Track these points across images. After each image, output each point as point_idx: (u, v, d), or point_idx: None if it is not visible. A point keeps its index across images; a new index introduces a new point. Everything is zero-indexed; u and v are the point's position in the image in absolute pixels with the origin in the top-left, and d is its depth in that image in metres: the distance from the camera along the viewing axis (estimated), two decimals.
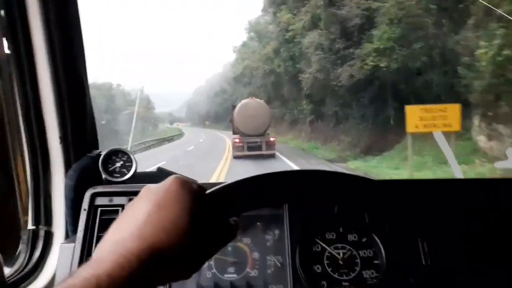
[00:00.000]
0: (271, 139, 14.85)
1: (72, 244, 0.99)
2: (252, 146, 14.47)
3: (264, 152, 14.36)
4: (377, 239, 0.95)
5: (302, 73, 20.58)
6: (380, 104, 15.71)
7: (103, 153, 1.14)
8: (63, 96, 1.12)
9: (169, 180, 0.53)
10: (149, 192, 0.52)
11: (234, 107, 16.51)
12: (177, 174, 0.60)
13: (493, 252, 0.93)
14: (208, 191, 0.55)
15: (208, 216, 0.53)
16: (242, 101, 16.36)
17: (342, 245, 0.96)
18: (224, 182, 0.59)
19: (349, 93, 17.02)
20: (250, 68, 36.52)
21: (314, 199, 0.78)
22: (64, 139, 1.13)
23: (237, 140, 14.67)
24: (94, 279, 0.41)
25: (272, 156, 14.47)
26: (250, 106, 15.40)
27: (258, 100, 16.41)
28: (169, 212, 0.49)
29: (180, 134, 35.67)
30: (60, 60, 1.10)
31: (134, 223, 0.48)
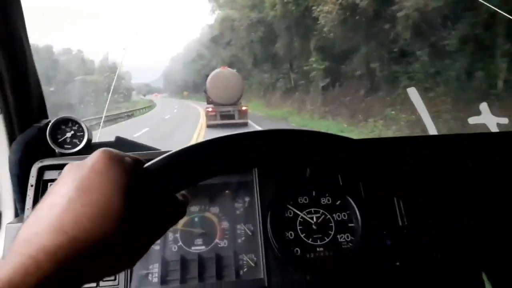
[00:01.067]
0: (243, 108, 15.05)
1: (20, 224, 0.89)
2: (225, 115, 14.56)
3: (237, 120, 14.52)
4: (351, 201, 0.90)
5: (319, 4, 14.45)
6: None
7: (50, 123, 1.02)
8: (1, 64, 0.99)
9: (95, 154, 0.43)
10: (71, 172, 0.42)
11: (207, 76, 16.53)
12: (140, 144, 0.48)
13: (469, 207, 0.91)
14: (146, 165, 0.46)
15: (148, 194, 0.43)
16: (214, 70, 16.30)
17: (315, 209, 0.92)
18: (168, 152, 0.48)
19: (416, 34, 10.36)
20: (230, 20, 28.87)
21: (271, 163, 0.67)
22: (5, 110, 1.00)
23: (210, 109, 14.69)
24: None
25: (245, 124, 14.44)
26: (222, 75, 15.45)
27: (230, 69, 16.52)
28: (95, 195, 0.39)
29: (150, 107, 32.57)
30: None
31: (53, 212, 0.38)
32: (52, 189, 0.42)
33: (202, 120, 15.12)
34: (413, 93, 1.44)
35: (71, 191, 0.39)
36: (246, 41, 25.74)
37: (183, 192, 0.50)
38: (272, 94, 22.41)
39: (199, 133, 12.85)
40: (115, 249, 0.39)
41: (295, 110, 17.77)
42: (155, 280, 0.86)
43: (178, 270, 0.86)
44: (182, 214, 0.50)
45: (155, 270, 0.87)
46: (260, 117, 17.57)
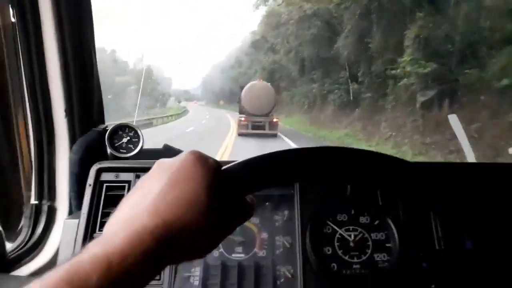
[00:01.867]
0: (274, 120, 15.88)
1: (76, 220, 0.97)
2: (256, 125, 15.46)
3: (267, 131, 15.33)
4: (390, 222, 0.92)
5: None
6: None
7: (109, 128, 1.11)
8: (69, 68, 1.09)
9: (183, 154, 0.50)
10: (164, 167, 0.49)
11: (242, 87, 17.80)
12: (183, 151, 0.57)
13: (507, 236, 0.91)
14: (224, 167, 0.52)
15: (225, 193, 0.50)
16: (250, 82, 17.55)
17: (354, 227, 0.94)
18: (237, 160, 0.56)
19: None
20: (276, 15, 24.52)
21: (334, 176, 0.74)
22: (69, 113, 1.10)
23: (243, 119, 15.72)
24: (105, 256, 0.38)
25: (275, 135, 15.31)
26: (256, 87, 16.53)
27: (264, 82, 17.63)
28: (185, 188, 0.46)
29: (178, 114, 31.20)
30: (67, 30, 1.06)
31: (148, 199, 0.45)
32: (143, 181, 0.49)
33: (230, 139, 14.50)
34: (454, 121, 1.44)
35: (164, 184, 0.46)
36: (294, 43, 21.92)
37: (251, 196, 0.57)
38: (321, 109, 19.19)
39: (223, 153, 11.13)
40: (196, 236, 0.46)
41: (357, 133, 13.98)
42: (196, 283, 0.91)
43: (218, 275, 0.91)
44: (250, 215, 0.56)
45: (196, 273, 0.92)
46: (305, 138, 15.92)
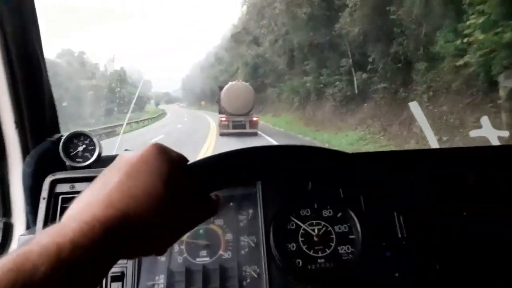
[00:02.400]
0: (254, 118, 16.14)
1: (32, 236, 0.93)
2: (237, 124, 15.65)
3: (247, 130, 15.57)
4: (352, 213, 0.92)
5: None
6: None
7: (63, 137, 1.07)
8: (17, 78, 1.04)
9: (145, 148, 0.49)
10: (122, 160, 0.49)
11: (220, 88, 17.96)
12: None
13: (468, 222, 0.93)
14: (190, 162, 0.52)
15: (188, 188, 0.49)
16: (229, 83, 17.54)
17: (317, 221, 0.94)
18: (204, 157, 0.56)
19: None
20: (261, 6, 21.56)
21: (296, 172, 0.75)
22: (20, 124, 1.05)
23: (224, 119, 15.90)
24: (55, 246, 0.37)
25: (255, 134, 15.60)
26: (235, 87, 16.69)
27: (243, 82, 17.74)
28: (142, 180, 0.45)
29: (153, 118, 29.13)
30: (12, 40, 1.01)
31: (103, 191, 0.44)
32: (103, 173, 0.49)
33: (209, 143, 13.70)
34: (415, 108, 1.47)
35: (121, 175, 0.46)
36: (281, 30, 18.78)
37: (216, 193, 0.56)
38: (316, 105, 16.48)
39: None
40: (151, 229, 0.45)
41: (376, 136, 10.72)
42: None
43: (183, 281, 0.89)
44: (214, 212, 0.55)
45: (160, 281, 0.90)
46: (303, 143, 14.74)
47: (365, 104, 12.90)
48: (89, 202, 0.44)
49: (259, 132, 15.85)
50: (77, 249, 0.37)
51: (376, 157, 1.05)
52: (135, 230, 0.43)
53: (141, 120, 24.79)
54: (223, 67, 41.47)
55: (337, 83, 14.94)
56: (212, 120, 22.84)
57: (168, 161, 0.48)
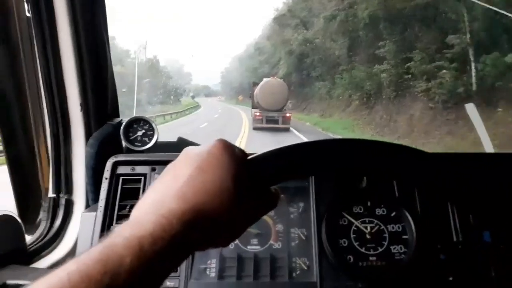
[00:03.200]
0: (287, 114, 16.88)
1: (94, 213, 0.98)
2: (270, 119, 16.53)
3: (280, 125, 16.39)
4: (407, 213, 0.91)
5: None
6: None
7: (124, 122, 1.12)
8: (84, 62, 1.10)
9: (210, 143, 0.51)
10: (191, 154, 0.50)
11: (255, 84, 19.55)
12: (199, 144, 0.58)
13: None
14: (250, 157, 0.53)
15: (251, 182, 0.50)
16: (264, 79, 18.42)
17: (370, 219, 0.93)
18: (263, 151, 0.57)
19: None
20: None
21: (355, 167, 0.74)
22: (85, 107, 1.11)
23: (258, 114, 16.90)
24: (136, 239, 0.39)
25: (287, 129, 16.31)
26: (270, 84, 17.52)
27: (278, 79, 18.64)
28: (212, 175, 0.47)
29: (181, 113, 27.18)
30: (81, 25, 1.07)
31: (176, 185, 0.46)
32: (171, 167, 0.50)
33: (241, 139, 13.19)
34: (470, 109, 1.42)
35: (192, 170, 0.47)
36: (342, 3, 14.05)
37: (275, 186, 0.57)
38: (396, 106, 11.52)
39: None
40: (221, 223, 0.47)
41: None
42: (213, 274, 0.92)
43: (234, 267, 0.91)
44: (274, 205, 0.56)
45: (213, 265, 0.93)
46: None
47: (499, 110, 7.94)
48: (164, 197, 0.45)
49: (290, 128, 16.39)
50: (157, 242, 0.39)
51: (438, 157, 1.02)
52: (208, 223, 0.45)
53: (168, 114, 23.76)
54: (263, 58, 38.83)
55: (446, 71, 9.48)
56: (245, 116, 22.85)
57: (234, 156, 0.49)
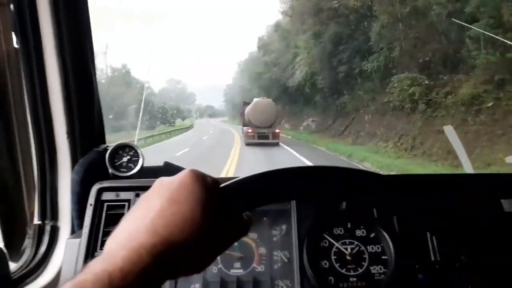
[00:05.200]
0: (276, 130, 18.99)
1: (78, 240, 0.99)
2: (261, 135, 18.46)
3: (270, 140, 18.30)
4: (385, 234, 0.94)
5: None
6: None
7: (110, 148, 1.14)
8: (71, 90, 1.12)
9: (183, 173, 0.52)
10: (163, 185, 0.51)
11: (245, 103, 21.71)
12: (185, 168, 0.60)
13: (504, 248, 0.92)
14: (222, 185, 0.55)
15: (222, 210, 0.52)
16: (254, 99, 20.55)
17: (350, 240, 0.96)
18: (237, 177, 0.59)
19: None
20: None
21: (326, 194, 0.78)
22: (71, 134, 1.13)
23: (250, 130, 18.84)
24: (106, 275, 0.40)
25: (277, 144, 18.32)
26: (261, 103, 19.63)
27: (267, 99, 20.57)
28: (183, 206, 0.48)
29: (172, 133, 26.63)
30: (68, 54, 1.10)
31: (147, 217, 0.47)
32: (144, 198, 0.52)
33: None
34: (450, 132, 1.47)
35: (163, 201, 0.49)
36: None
37: (248, 213, 0.59)
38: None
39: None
40: (192, 252, 0.48)
41: None
42: None
43: None
44: (246, 231, 0.58)
45: None
46: None
47: None
48: (134, 229, 0.46)
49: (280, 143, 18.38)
50: (127, 276, 0.41)
51: (412, 180, 1.06)
52: (179, 254, 0.46)
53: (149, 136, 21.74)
54: (270, 59, 33.23)
55: None
56: (237, 137, 22.73)
57: (204, 186, 0.51)
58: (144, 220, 0.47)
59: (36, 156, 1.13)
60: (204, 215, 0.48)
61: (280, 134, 19.30)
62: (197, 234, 0.48)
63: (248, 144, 18.24)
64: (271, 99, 20.69)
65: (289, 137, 23.24)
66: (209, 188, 0.51)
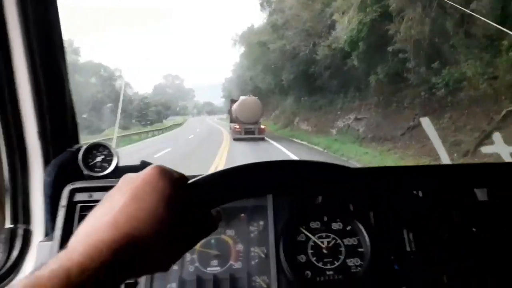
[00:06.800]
0: (262, 126, 20.33)
1: (50, 242, 0.97)
2: (248, 131, 19.76)
3: (256, 135, 19.64)
4: (361, 227, 0.94)
5: None
6: None
7: (83, 148, 1.11)
8: (41, 88, 1.09)
9: (148, 169, 0.51)
10: (126, 182, 0.51)
11: (233, 101, 23.07)
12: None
13: (477, 238, 0.93)
14: (190, 181, 0.54)
15: (189, 206, 0.51)
16: (241, 97, 21.83)
17: (327, 234, 0.96)
18: (204, 174, 0.58)
19: None
20: None
21: (298, 189, 0.78)
22: (42, 134, 1.10)
23: (237, 126, 20.03)
24: (64, 270, 0.39)
25: (263, 139, 19.45)
26: (247, 101, 20.92)
27: (253, 97, 21.70)
28: (146, 202, 0.47)
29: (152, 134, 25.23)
30: (37, 50, 1.07)
31: (109, 213, 0.47)
32: (109, 195, 0.51)
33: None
34: (425, 122, 1.48)
35: (126, 198, 0.48)
36: None
37: (217, 209, 0.59)
38: None
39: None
40: (156, 249, 0.47)
41: None
42: None
43: None
44: (214, 228, 0.57)
45: None
46: None
47: None
48: (96, 226, 0.45)
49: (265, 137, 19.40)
50: (85, 272, 0.40)
51: (386, 172, 1.06)
52: (141, 251, 0.45)
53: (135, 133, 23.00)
54: (282, 20, 22.42)
55: None
56: (226, 135, 22.27)
57: (170, 182, 0.50)
58: (106, 216, 0.46)
59: (7, 158, 1.10)
60: (168, 211, 0.47)
61: (266, 131, 20.50)
62: (160, 230, 0.47)
63: (236, 139, 19.34)
64: (256, 97, 21.73)
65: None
66: (175, 184, 0.50)
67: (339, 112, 18.08)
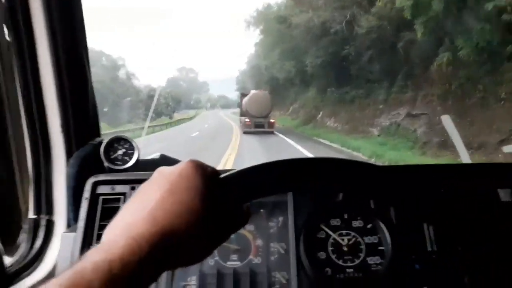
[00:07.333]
0: (271, 120, 21.16)
1: (74, 233, 0.99)
2: (258, 124, 20.60)
3: (266, 129, 20.45)
4: (382, 225, 0.93)
5: None
6: None
7: (105, 141, 1.13)
8: (64, 83, 1.11)
9: (183, 163, 0.52)
10: (162, 176, 0.51)
11: (243, 94, 24.21)
12: (181, 161, 0.59)
13: (500, 237, 0.92)
14: (222, 176, 0.55)
15: (222, 201, 0.52)
16: (251, 91, 22.59)
17: (347, 231, 0.95)
18: (235, 169, 0.59)
19: None
20: None
21: (323, 185, 0.78)
22: (65, 127, 1.12)
23: (248, 120, 20.87)
24: (106, 263, 0.40)
25: (272, 132, 20.40)
26: (258, 95, 21.74)
27: (263, 91, 22.74)
28: (182, 196, 0.48)
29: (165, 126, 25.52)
30: (61, 46, 1.09)
31: (146, 207, 0.47)
32: (144, 188, 0.51)
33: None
34: (447, 121, 1.46)
35: (163, 192, 0.49)
36: None
37: (247, 204, 0.59)
38: None
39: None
40: (191, 242, 0.48)
41: None
42: None
43: (214, 284, 0.92)
44: (245, 222, 0.58)
45: (193, 282, 0.93)
46: None
47: None
48: (134, 219, 0.46)
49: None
50: (126, 265, 0.41)
51: (409, 170, 1.05)
52: (178, 244, 0.46)
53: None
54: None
55: None
56: (236, 130, 22.27)
57: (204, 176, 0.51)
58: (143, 210, 0.47)
59: (31, 150, 1.12)
60: (203, 205, 0.48)
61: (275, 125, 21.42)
62: (196, 224, 0.48)
63: (246, 133, 20.20)
64: (266, 91, 22.83)
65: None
66: (208, 179, 0.51)
67: (381, 106, 13.92)
